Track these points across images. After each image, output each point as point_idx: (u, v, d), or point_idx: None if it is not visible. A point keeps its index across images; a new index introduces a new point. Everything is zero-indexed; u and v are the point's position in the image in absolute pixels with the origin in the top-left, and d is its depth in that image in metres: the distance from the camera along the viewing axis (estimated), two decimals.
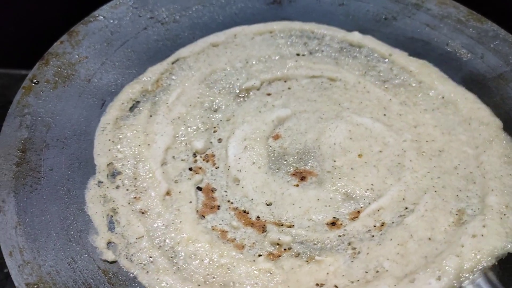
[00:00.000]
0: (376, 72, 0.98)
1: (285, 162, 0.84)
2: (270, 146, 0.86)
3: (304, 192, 0.79)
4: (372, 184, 0.79)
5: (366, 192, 0.78)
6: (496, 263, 0.68)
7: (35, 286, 0.64)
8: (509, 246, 0.68)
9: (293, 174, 0.83)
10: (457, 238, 0.70)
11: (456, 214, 0.74)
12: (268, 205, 0.78)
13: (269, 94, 0.94)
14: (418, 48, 1.02)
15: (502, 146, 0.83)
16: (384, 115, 0.90)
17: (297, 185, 0.81)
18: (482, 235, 0.69)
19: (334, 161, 0.82)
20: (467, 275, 0.66)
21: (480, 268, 0.66)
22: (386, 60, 0.99)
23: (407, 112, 0.90)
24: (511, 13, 1.06)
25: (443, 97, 0.92)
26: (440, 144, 0.85)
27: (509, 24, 1.01)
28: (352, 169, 0.81)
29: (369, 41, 1.01)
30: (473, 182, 0.78)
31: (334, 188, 0.79)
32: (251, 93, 0.94)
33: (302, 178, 0.82)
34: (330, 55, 1.01)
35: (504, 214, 0.72)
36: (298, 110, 0.91)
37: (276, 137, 0.88)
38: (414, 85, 0.95)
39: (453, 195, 0.76)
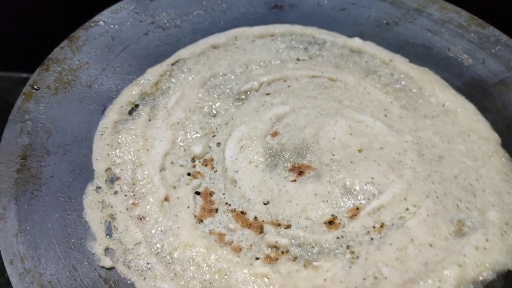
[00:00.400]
0: (377, 76, 0.98)
1: (282, 158, 0.83)
2: (268, 143, 0.85)
3: (301, 188, 0.78)
4: (372, 178, 0.78)
5: (366, 185, 0.77)
6: (496, 278, 0.67)
7: None
8: (510, 264, 0.68)
9: (291, 170, 0.82)
10: (460, 248, 0.69)
11: (457, 224, 0.73)
12: (265, 204, 0.77)
13: (268, 94, 0.94)
14: (419, 53, 1.02)
15: (501, 163, 0.82)
16: (385, 116, 0.90)
17: (295, 180, 0.80)
18: (484, 248, 0.69)
19: (333, 154, 0.81)
20: (467, 286, 0.65)
21: (481, 280, 0.66)
22: (387, 65, 0.99)
23: (407, 116, 0.90)
24: None
25: (443, 105, 0.92)
26: (440, 150, 0.84)
27: (511, 29, 1.00)
28: (351, 162, 0.80)
29: (370, 47, 1.01)
30: (473, 194, 0.78)
31: (332, 181, 0.78)
32: (249, 95, 0.94)
33: (300, 173, 0.81)
34: (330, 60, 1.01)
35: (505, 231, 0.72)
36: (297, 107, 0.90)
37: (274, 134, 0.87)
38: (414, 91, 0.95)
39: (454, 204, 0.76)
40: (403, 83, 0.96)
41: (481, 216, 0.74)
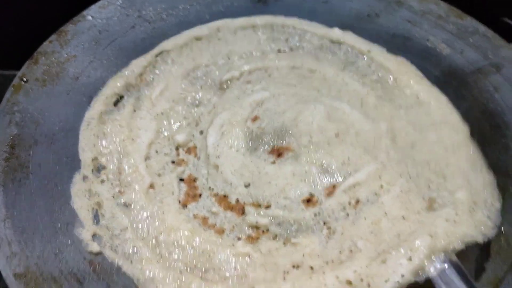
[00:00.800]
0: (355, 68, 1.00)
1: (262, 141, 0.86)
2: (248, 128, 0.88)
3: (280, 169, 0.81)
4: (348, 158, 0.81)
5: (342, 165, 0.80)
6: (465, 249, 0.70)
7: (23, 276, 0.67)
8: (478, 236, 0.71)
9: (270, 152, 0.85)
10: (431, 220, 0.72)
11: (428, 201, 0.76)
12: (246, 186, 0.80)
13: (249, 82, 0.97)
14: (399, 44, 1.04)
15: (469, 152, 0.85)
16: (361, 105, 0.92)
17: (274, 162, 0.83)
18: (454, 221, 0.72)
19: (311, 137, 0.84)
20: (438, 256, 0.68)
21: (451, 249, 0.69)
22: (365, 57, 1.01)
23: (383, 106, 0.93)
24: (491, 9, 1.08)
25: (417, 97, 0.94)
26: (412, 138, 0.87)
27: (489, 19, 1.03)
28: (328, 144, 0.83)
29: (349, 38, 1.04)
30: (443, 177, 0.81)
31: (310, 161, 0.81)
32: (231, 84, 0.96)
33: (279, 155, 0.84)
34: (310, 52, 1.03)
35: (473, 209, 0.75)
36: (277, 93, 0.93)
37: (255, 118, 0.90)
38: (390, 82, 0.97)
39: (426, 185, 0.79)
40: (379, 74, 0.99)
41: (451, 195, 0.77)
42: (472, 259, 0.74)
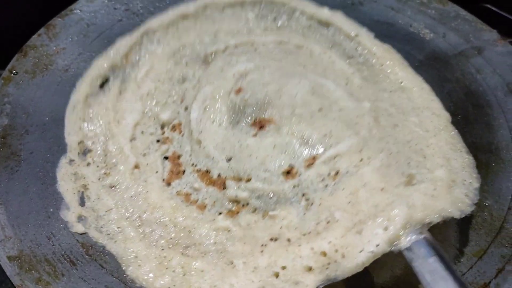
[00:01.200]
0: (342, 48, 1.01)
1: (245, 114, 0.86)
2: (231, 101, 0.87)
3: (261, 142, 0.81)
4: (330, 131, 0.80)
5: (323, 137, 0.79)
6: (441, 222, 0.70)
7: (17, 259, 0.68)
8: (455, 212, 0.71)
9: (252, 125, 0.85)
10: (410, 193, 0.72)
11: (407, 177, 0.76)
12: (228, 160, 0.80)
13: (233, 54, 0.96)
14: (383, 30, 1.05)
15: (450, 135, 0.85)
16: (346, 84, 0.93)
17: (255, 135, 0.83)
18: (432, 196, 0.72)
19: (294, 109, 0.84)
20: (413, 228, 0.67)
21: (427, 222, 0.68)
22: (352, 40, 1.02)
23: (367, 87, 0.93)
24: None
25: (401, 83, 0.95)
26: (395, 120, 0.87)
27: (470, 6, 1.06)
28: (311, 117, 0.83)
29: (338, 19, 1.04)
30: (423, 156, 0.80)
31: (291, 132, 0.81)
32: (216, 56, 0.96)
33: (261, 127, 0.84)
34: (298, 31, 1.03)
35: (451, 186, 0.75)
36: (262, 65, 0.92)
37: (239, 90, 0.88)
38: (376, 66, 0.98)
39: (405, 162, 0.79)
40: (366, 57, 1.00)
41: (430, 173, 0.77)
42: (457, 231, 0.77)
